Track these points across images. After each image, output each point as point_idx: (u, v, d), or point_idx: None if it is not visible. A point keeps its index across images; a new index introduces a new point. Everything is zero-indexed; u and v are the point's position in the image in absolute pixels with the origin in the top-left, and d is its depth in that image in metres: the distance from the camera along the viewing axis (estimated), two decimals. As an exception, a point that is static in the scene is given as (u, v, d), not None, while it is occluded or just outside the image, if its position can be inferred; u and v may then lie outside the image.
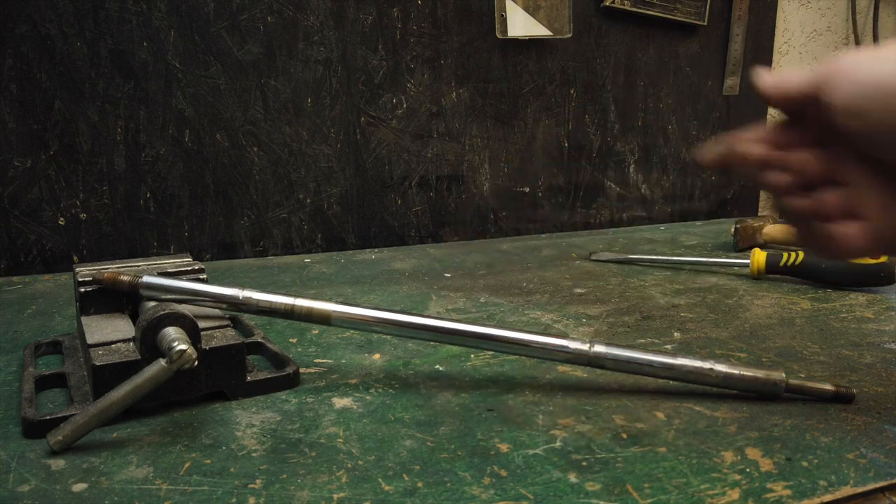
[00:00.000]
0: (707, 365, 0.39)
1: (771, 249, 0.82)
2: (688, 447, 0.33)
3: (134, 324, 0.40)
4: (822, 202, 0.31)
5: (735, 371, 0.39)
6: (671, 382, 0.41)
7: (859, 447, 0.33)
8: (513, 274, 0.71)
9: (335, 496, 0.29)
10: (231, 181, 0.78)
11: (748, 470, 0.31)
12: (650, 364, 0.39)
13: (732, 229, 0.84)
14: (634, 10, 0.97)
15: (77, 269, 0.43)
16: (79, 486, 0.29)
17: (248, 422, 0.36)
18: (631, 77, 1.01)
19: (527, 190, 0.97)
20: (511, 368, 0.44)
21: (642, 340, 0.49)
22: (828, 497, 0.29)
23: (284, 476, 0.31)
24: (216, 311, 0.42)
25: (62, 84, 0.70)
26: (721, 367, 0.39)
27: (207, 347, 0.38)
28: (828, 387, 0.38)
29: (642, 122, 1.04)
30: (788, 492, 0.29)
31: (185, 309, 0.37)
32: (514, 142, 0.94)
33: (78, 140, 0.72)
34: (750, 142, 0.32)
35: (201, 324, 0.38)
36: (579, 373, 0.43)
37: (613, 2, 0.94)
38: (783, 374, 0.38)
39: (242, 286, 0.42)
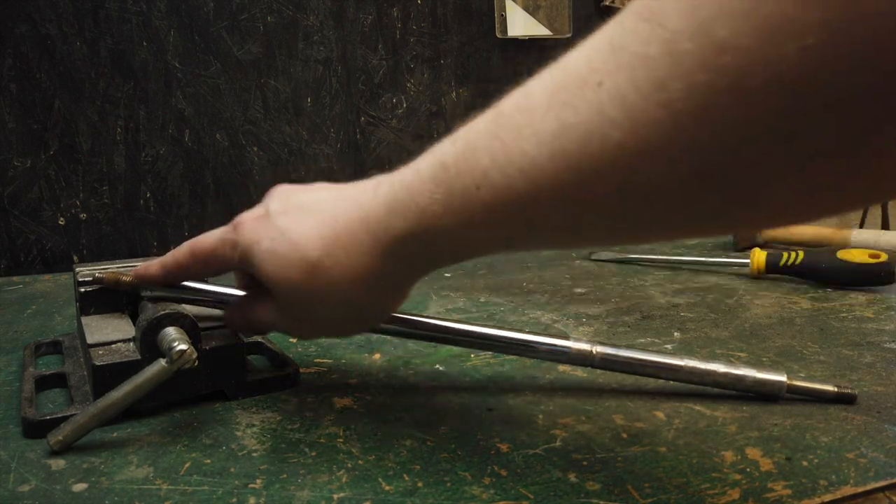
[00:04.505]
0: (708, 366, 0.39)
1: (771, 249, 0.82)
2: (688, 447, 0.33)
3: (134, 324, 0.40)
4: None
5: (736, 372, 0.39)
6: (671, 382, 0.41)
7: (859, 447, 0.33)
8: (513, 274, 0.71)
9: (335, 496, 0.29)
10: (231, 181, 0.78)
11: (748, 469, 0.31)
12: (651, 365, 0.39)
13: (732, 229, 0.84)
14: (634, 9, 0.97)
15: (77, 269, 0.43)
16: (79, 486, 0.29)
17: (248, 422, 0.36)
18: (631, 77, 1.01)
19: (527, 190, 0.97)
20: (511, 368, 0.44)
21: (642, 340, 0.49)
22: (828, 497, 0.29)
23: (284, 476, 0.31)
24: (216, 311, 0.42)
25: (62, 84, 0.70)
26: (722, 368, 0.39)
27: (207, 347, 0.38)
28: (829, 387, 0.38)
29: (642, 122, 1.04)
30: (788, 491, 0.29)
31: (185, 309, 0.37)
32: (514, 141, 0.94)
33: (78, 140, 0.72)
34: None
35: (201, 324, 0.38)
36: (579, 373, 0.43)
37: (613, 1, 0.94)
38: (784, 375, 0.38)
39: (242, 286, 0.42)
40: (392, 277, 0.32)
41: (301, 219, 0.34)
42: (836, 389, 0.38)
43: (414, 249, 0.30)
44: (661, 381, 0.41)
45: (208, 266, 0.37)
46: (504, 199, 0.26)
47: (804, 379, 0.39)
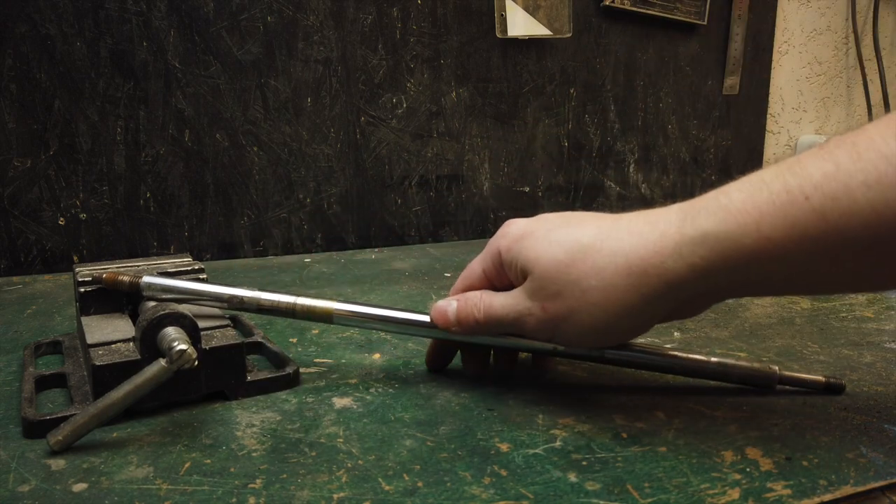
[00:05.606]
0: (703, 357, 0.40)
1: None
2: (688, 447, 0.33)
3: (134, 324, 0.40)
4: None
5: (730, 362, 0.40)
6: (671, 382, 0.41)
7: (859, 446, 0.33)
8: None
9: (335, 496, 0.29)
10: (231, 181, 0.78)
11: (748, 469, 0.31)
12: (649, 358, 0.40)
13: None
14: (634, 9, 0.97)
15: (77, 269, 0.43)
16: (79, 486, 0.30)
17: (248, 422, 0.36)
18: (631, 77, 1.01)
19: (527, 190, 0.97)
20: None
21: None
22: (828, 496, 0.29)
23: (284, 476, 0.31)
24: (216, 311, 0.42)
25: (62, 84, 0.70)
26: (716, 359, 0.40)
27: (207, 347, 0.38)
28: (819, 378, 0.40)
29: (642, 122, 1.04)
30: (788, 491, 0.29)
31: (185, 309, 0.37)
32: (514, 141, 0.94)
33: (78, 140, 0.72)
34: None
35: (201, 324, 0.38)
36: (579, 373, 0.43)
37: (613, 1, 0.94)
38: (776, 366, 0.40)
39: (243, 286, 0.42)
40: (663, 281, 0.30)
41: (582, 220, 0.34)
42: (825, 379, 0.40)
43: (705, 253, 0.29)
44: (661, 381, 0.41)
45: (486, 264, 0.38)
46: (836, 210, 0.26)
47: (794, 370, 0.40)
